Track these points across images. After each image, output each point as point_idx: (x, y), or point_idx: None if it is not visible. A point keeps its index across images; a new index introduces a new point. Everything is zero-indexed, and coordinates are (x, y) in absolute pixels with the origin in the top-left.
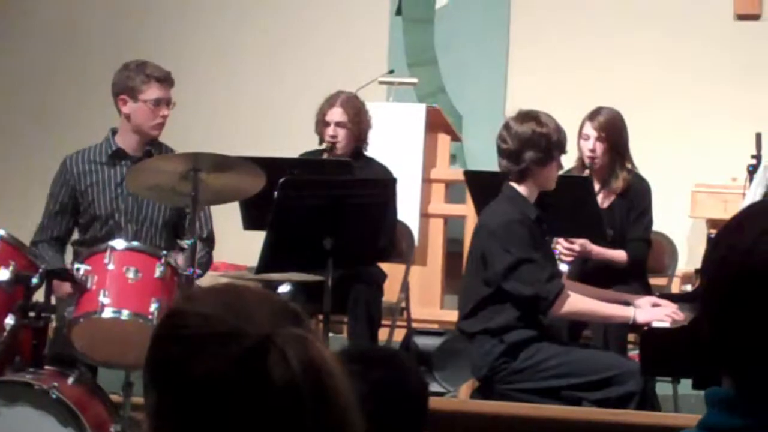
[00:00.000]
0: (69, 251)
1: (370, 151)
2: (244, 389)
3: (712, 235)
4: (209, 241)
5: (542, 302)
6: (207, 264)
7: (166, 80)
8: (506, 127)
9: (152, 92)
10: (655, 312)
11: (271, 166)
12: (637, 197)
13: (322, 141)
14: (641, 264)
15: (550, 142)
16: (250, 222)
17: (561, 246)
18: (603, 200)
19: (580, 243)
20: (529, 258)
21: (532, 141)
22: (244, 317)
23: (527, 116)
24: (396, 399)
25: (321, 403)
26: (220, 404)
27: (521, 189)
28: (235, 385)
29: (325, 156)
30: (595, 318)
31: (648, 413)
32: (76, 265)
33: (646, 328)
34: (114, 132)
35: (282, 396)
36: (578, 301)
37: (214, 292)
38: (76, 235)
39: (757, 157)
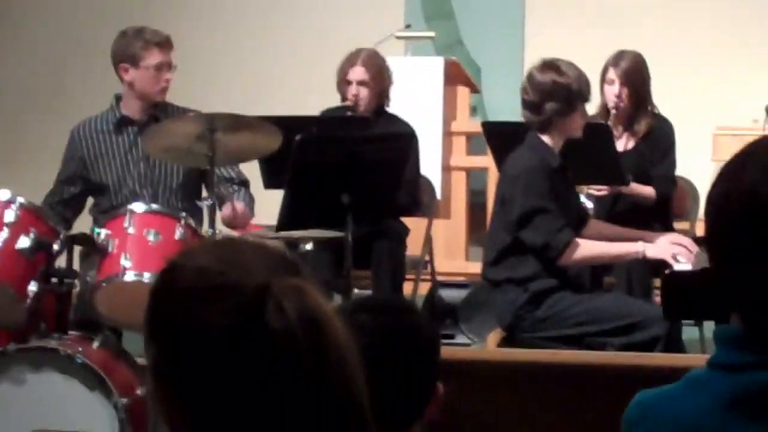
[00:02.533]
0: (88, 219)
1: (391, 105)
2: (242, 341)
3: None
4: (242, 183)
5: (551, 251)
6: (249, 203)
7: (165, 44)
8: (528, 77)
9: (153, 57)
10: (665, 247)
11: (288, 124)
12: (660, 138)
13: (344, 99)
14: (667, 201)
15: (571, 92)
16: (271, 180)
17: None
18: (626, 142)
19: None
20: (543, 207)
21: (553, 91)
22: (241, 269)
23: (548, 66)
24: (405, 347)
25: (318, 352)
26: (218, 356)
27: (545, 138)
28: (234, 337)
29: (348, 114)
30: (605, 259)
31: (673, 355)
32: (96, 230)
33: (667, 271)
34: (118, 99)
35: (280, 346)
36: (586, 247)
37: (210, 246)
38: (92, 203)
39: None
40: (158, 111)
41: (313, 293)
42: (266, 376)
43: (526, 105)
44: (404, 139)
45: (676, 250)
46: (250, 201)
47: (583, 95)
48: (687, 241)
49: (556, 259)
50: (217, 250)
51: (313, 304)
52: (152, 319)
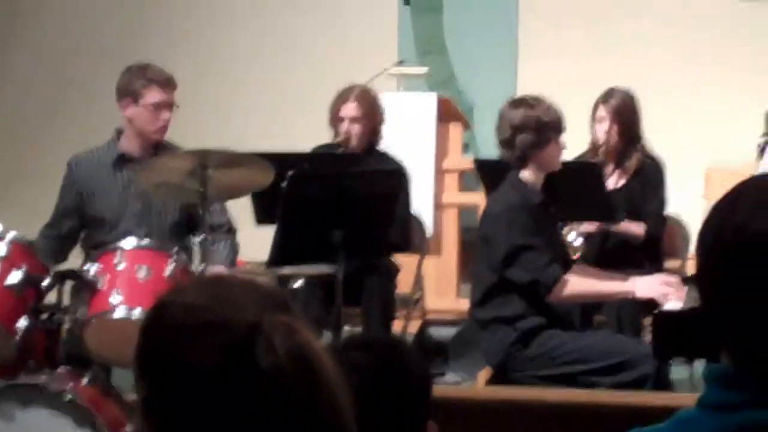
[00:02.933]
0: (78, 253)
1: (383, 142)
2: (232, 378)
3: None
4: (229, 232)
5: (541, 288)
6: (232, 255)
7: (167, 83)
8: (500, 116)
9: (153, 96)
10: (655, 286)
11: (280, 160)
12: (650, 176)
13: (336, 135)
14: (658, 239)
15: (541, 123)
16: (262, 216)
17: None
18: (617, 180)
19: None
20: (527, 244)
21: (524, 124)
22: (230, 306)
23: (518, 102)
24: (397, 385)
25: (308, 390)
26: (208, 394)
27: (525, 174)
28: (223, 374)
29: (340, 150)
30: (595, 297)
31: (663, 394)
32: (87, 266)
33: (656, 311)
34: (119, 133)
35: (269, 383)
36: (577, 284)
37: (200, 283)
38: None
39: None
40: (159, 151)
41: (303, 331)
42: (256, 413)
43: (502, 143)
44: (396, 176)
45: (666, 289)
46: (232, 252)
47: (556, 125)
48: (675, 280)
49: (546, 295)
50: (206, 287)
51: (303, 342)
52: (142, 356)
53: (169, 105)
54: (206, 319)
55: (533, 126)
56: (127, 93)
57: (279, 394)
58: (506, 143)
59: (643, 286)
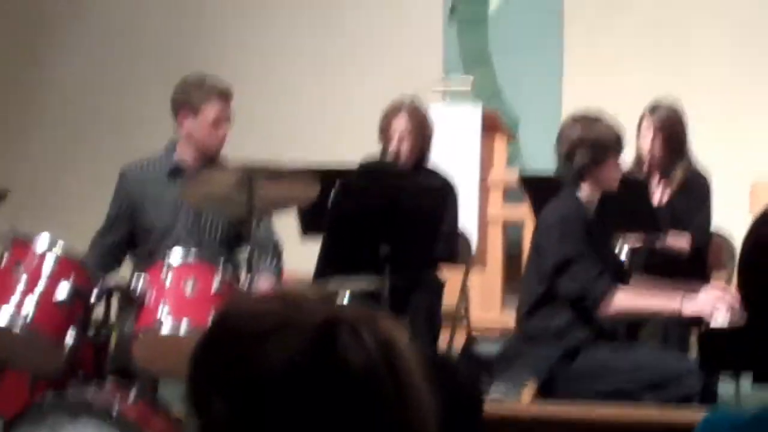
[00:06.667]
0: (128, 265)
1: (431, 156)
2: (318, 379)
3: None
4: (276, 253)
5: (589, 301)
6: (277, 274)
7: (225, 95)
8: (560, 132)
9: (212, 110)
10: (705, 303)
11: (327, 174)
12: (696, 190)
13: (385, 149)
14: (703, 253)
15: (600, 142)
16: (308, 229)
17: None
18: (662, 194)
19: None
20: (578, 256)
21: (582, 142)
22: (299, 309)
23: (577, 119)
24: (450, 405)
25: (399, 387)
26: (293, 401)
27: (581, 192)
28: (308, 376)
29: (387, 164)
30: (644, 313)
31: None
32: (135, 279)
33: (704, 329)
34: (174, 145)
35: (360, 381)
36: (625, 299)
37: (259, 295)
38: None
39: None
40: (211, 163)
41: (385, 320)
42: (347, 418)
43: (559, 158)
44: (444, 191)
45: (715, 307)
46: (278, 270)
47: (613, 146)
48: (729, 295)
49: (594, 308)
50: (267, 297)
51: (387, 332)
52: (211, 372)
53: (227, 118)
54: (273, 323)
55: (592, 143)
56: (185, 106)
57: (371, 393)
58: (564, 160)
59: (692, 303)
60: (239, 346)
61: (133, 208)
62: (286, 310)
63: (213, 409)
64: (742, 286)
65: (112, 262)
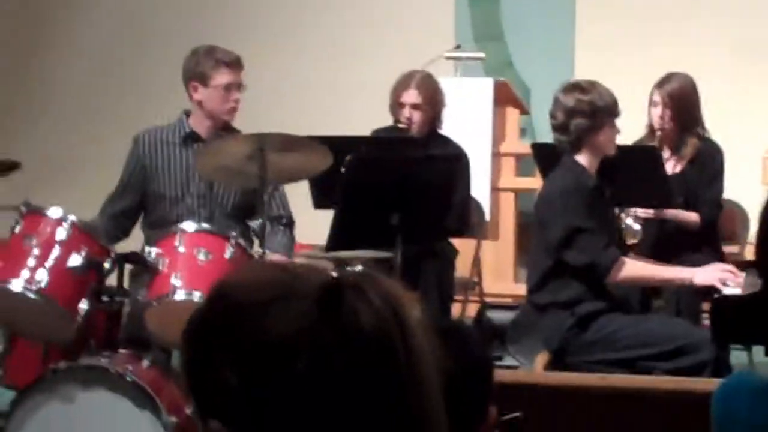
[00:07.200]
0: (139, 236)
1: (442, 128)
2: (330, 340)
3: None
4: (288, 223)
5: (599, 270)
6: (289, 245)
7: (235, 64)
8: (554, 101)
9: (222, 77)
10: (714, 273)
11: (339, 144)
12: (708, 162)
13: (396, 121)
14: (713, 227)
15: (595, 107)
16: (320, 200)
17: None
18: (674, 166)
19: None
20: (584, 227)
21: (577, 109)
22: (298, 275)
23: (571, 87)
24: (460, 370)
25: (407, 343)
26: (305, 366)
27: (579, 159)
28: (319, 338)
29: (399, 134)
30: (654, 282)
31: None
32: (147, 249)
33: (716, 295)
34: (187, 114)
35: (372, 339)
36: (635, 267)
37: (257, 265)
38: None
39: None
40: (226, 133)
41: (387, 280)
42: (361, 383)
43: (556, 128)
44: (456, 161)
45: (725, 275)
46: (290, 242)
47: (609, 110)
48: (733, 269)
49: (604, 277)
50: (265, 266)
51: (393, 292)
52: (216, 346)
53: (238, 85)
54: (275, 291)
55: (587, 110)
56: (196, 76)
57: (384, 355)
58: (560, 128)
59: (701, 273)
60: (243, 316)
61: (145, 172)
62: (286, 278)
63: (222, 381)
64: (760, 256)
65: (120, 229)
